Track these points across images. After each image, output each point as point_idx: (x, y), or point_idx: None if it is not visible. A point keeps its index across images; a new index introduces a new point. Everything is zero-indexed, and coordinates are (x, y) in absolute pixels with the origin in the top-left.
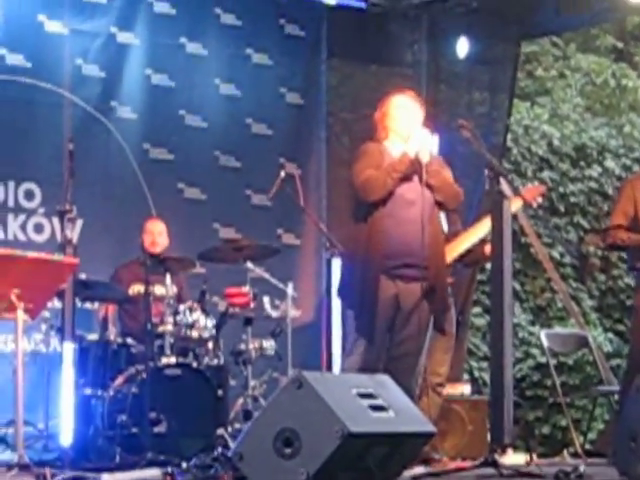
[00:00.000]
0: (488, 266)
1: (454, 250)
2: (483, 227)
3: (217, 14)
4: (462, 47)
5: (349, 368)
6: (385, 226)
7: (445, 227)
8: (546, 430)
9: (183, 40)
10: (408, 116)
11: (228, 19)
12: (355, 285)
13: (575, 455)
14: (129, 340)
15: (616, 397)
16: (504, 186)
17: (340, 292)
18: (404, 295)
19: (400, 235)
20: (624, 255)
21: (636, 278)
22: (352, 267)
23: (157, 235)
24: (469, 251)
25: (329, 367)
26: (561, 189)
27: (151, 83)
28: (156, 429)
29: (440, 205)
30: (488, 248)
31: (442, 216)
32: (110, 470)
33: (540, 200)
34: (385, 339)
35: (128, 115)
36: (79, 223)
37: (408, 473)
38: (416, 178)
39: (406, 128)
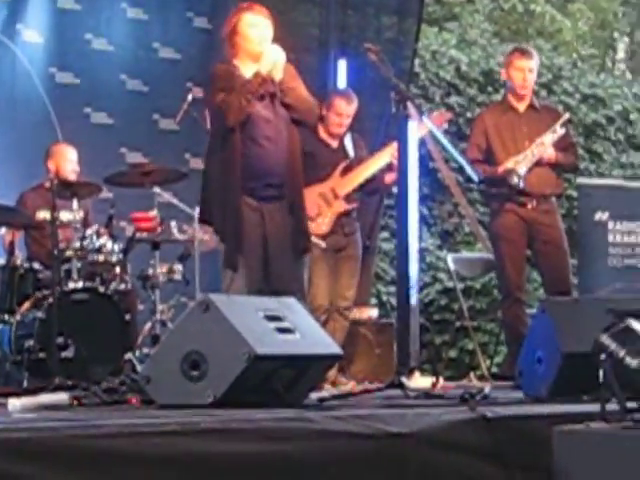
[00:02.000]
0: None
1: (359, 176)
2: (387, 154)
3: None
4: None
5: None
6: (244, 148)
7: (351, 153)
8: (453, 354)
9: None
10: (259, 34)
11: None
12: (217, 210)
13: (482, 378)
14: (36, 265)
15: None
16: (411, 110)
17: (205, 217)
18: (268, 214)
19: (259, 155)
20: None
21: (489, 206)
22: (213, 193)
23: (74, 164)
24: (370, 179)
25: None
26: (469, 114)
27: (57, 6)
28: (63, 354)
29: (297, 122)
30: (389, 177)
31: (348, 141)
32: (18, 395)
33: (446, 126)
34: (261, 264)
35: (34, 39)
36: None
37: (315, 396)
38: (270, 97)
39: (257, 47)
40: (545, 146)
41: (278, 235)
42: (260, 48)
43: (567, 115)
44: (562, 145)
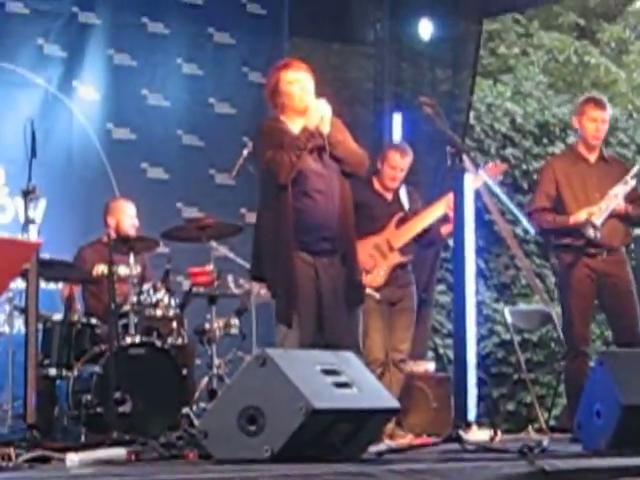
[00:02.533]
0: (452, 244)
1: (414, 227)
2: (442, 206)
3: None
4: (425, 29)
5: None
6: (298, 203)
7: (406, 205)
8: (511, 407)
9: (145, 20)
10: (300, 89)
11: None
12: (269, 267)
13: (540, 431)
14: (93, 320)
15: None
16: (467, 163)
17: (258, 273)
18: (323, 268)
19: (312, 209)
20: None
21: (558, 258)
22: (268, 249)
23: (134, 219)
24: (425, 231)
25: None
26: (524, 166)
27: (113, 63)
28: (121, 408)
29: (348, 175)
30: (445, 229)
31: (403, 193)
32: (75, 450)
33: (501, 177)
34: (314, 318)
35: (90, 95)
36: (42, 203)
37: (373, 449)
38: (319, 150)
39: (301, 102)
40: (618, 198)
41: (332, 289)
42: (304, 103)
43: (638, 167)
44: (631, 197)
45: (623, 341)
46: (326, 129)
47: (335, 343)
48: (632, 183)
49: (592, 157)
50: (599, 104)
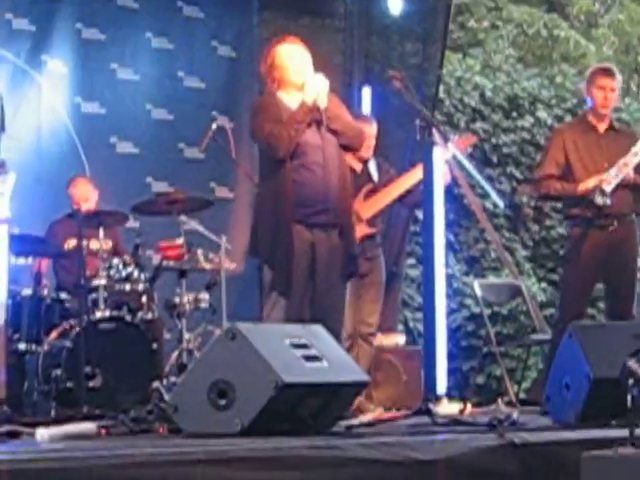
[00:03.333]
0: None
1: (382, 200)
2: (414, 176)
3: None
4: (394, 3)
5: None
6: (296, 175)
7: (375, 176)
8: (481, 380)
9: None
10: (297, 63)
11: None
12: (267, 239)
13: (510, 404)
14: (63, 295)
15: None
16: (436, 136)
17: (253, 249)
18: (321, 243)
19: (311, 182)
20: (557, 205)
21: (569, 227)
22: (265, 222)
23: (85, 194)
24: (409, 191)
25: (263, 319)
26: (493, 140)
27: (82, 37)
28: (91, 383)
29: (345, 148)
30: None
31: (372, 165)
32: (45, 425)
33: (471, 150)
34: (305, 291)
35: (59, 69)
36: (12, 177)
37: (342, 423)
38: (317, 124)
39: (298, 76)
40: (628, 167)
41: (327, 265)
42: (300, 77)
43: None
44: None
45: (617, 315)
46: (323, 103)
47: (322, 319)
48: None
49: (601, 127)
50: (608, 72)
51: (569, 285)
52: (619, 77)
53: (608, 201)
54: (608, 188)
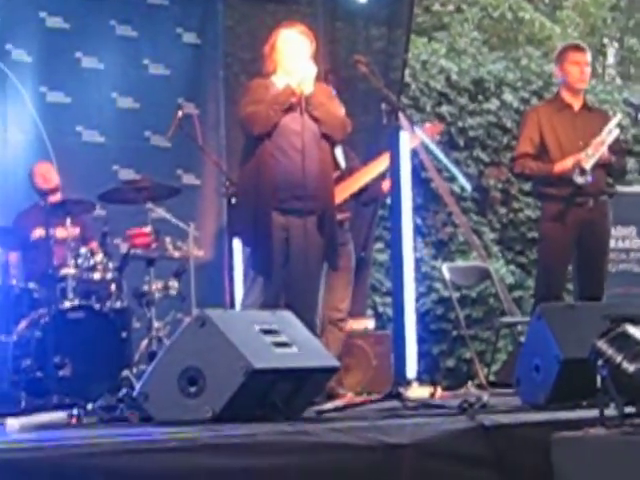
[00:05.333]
0: (389, 202)
1: (351, 186)
2: (381, 164)
3: None
4: None
5: (250, 305)
6: (272, 159)
7: (342, 163)
8: (451, 363)
9: None
10: (294, 50)
11: None
12: (248, 221)
13: (480, 387)
14: (31, 284)
15: (519, 328)
16: (402, 121)
17: (234, 230)
18: (295, 229)
19: (287, 166)
20: (525, 187)
21: (542, 207)
22: (244, 204)
23: (46, 172)
24: (364, 189)
25: (232, 305)
26: (460, 123)
27: (46, 26)
28: (61, 372)
29: (326, 137)
30: (386, 185)
31: (339, 152)
32: (16, 415)
33: (439, 137)
34: (282, 274)
35: (23, 58)
36: None
37: (313, 408)
38: (299, 110)
39: (291, 62)
40: (604, 145)
41: (302, 253)
42: (294, 63)
43: (620, 116)
44: (614, 148)
45: (588, 295)
46: (308, 89)
47: (297, 304)
48: (616, 132)
49: (576, 104)
50: (580, 48)
51: (548, 263)
52: (589, 53)
53: (589, 178)
54: (587, 166)
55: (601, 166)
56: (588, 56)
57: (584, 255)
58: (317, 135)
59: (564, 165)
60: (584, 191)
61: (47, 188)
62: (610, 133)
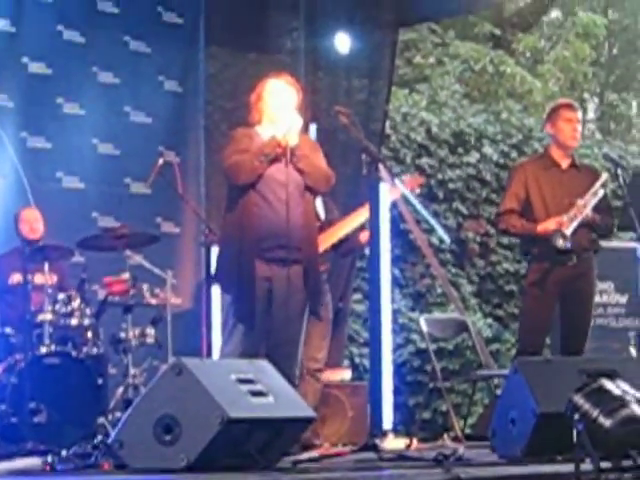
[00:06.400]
0: (368, 253)
1: (330, 238)
2: (360, 215)
3: (94, 1)
4: (341, 40)
5: (229, 354)
6: (256, 208)
7: (322, 215)
8: (427, 415)
9: (60, 27)
10: (281, 100)
11: (106, 7)
12: (231, 269)
13: (456, 439)
14: (8, 329)
15: (496, 381)
16: (382, 172)
17: (217, 277)
18: (278, 279)
19: (271, 217)
20: (503, 240)
21: (528, 263)
22: (228, 252)
23: (34, 222)
24: (343, 240)
25: (209, 354)
26: (440, 175)
27: (28, 71)
28: (36, 419)
29: (310, 189)
30: (364, 236)
31: (319, 203)
32: None
33: (418, 190)
34: (263, 324)
35: (5, 103)
36: None
37: (289, 458)
38: (285, 161)
39: (277, 112)
40: (587, 208)
41: (283, 301)
42: (279, 113)
43: (606, 176)
44: (599, 207)
45: (570, 349)
46: (293, 141)
47: (277, 353)
48: (601, 193)
49: (564, 163)
50: (572, 106)
51: (529, 319)
52: (581, 112)
53: (569, 244)
54: (568, 232)
55: (585, 225)
56: (580, 114)
57: (568, 310)
58: (301, 186)
59: (546, 227)
60: (567, 250)
61: (32, 238)
62: (595, 195)
